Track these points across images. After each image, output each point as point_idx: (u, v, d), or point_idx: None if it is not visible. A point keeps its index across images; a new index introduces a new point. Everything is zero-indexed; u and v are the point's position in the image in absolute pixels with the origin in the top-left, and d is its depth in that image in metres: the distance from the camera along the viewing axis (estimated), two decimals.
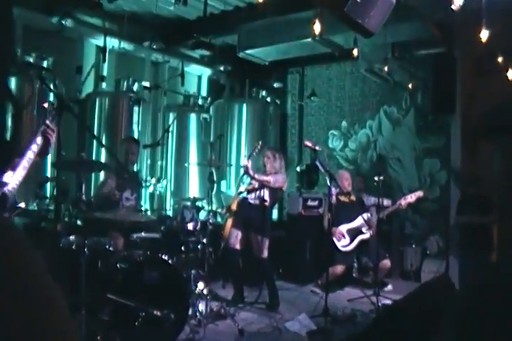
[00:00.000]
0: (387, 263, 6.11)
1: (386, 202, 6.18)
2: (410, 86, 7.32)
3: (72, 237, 4.02)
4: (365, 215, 6.19)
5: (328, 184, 5.16)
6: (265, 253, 5.33)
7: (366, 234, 6.14)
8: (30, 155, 2.61)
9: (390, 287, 6.28)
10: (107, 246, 4.07)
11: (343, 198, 6.27)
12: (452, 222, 6.26)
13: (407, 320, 2.20)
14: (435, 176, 7.59)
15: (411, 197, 6.01)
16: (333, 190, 5.68)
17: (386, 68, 6.58)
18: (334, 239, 6.11)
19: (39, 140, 2.67)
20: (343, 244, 6.14)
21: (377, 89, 8.16)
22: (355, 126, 8.39)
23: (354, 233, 6.15)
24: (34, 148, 2.64)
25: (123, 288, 3.63)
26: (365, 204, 6.36)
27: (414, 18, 5.79)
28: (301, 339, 4.37)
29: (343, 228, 6.17)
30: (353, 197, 6.30)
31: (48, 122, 2.72)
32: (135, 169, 5.78)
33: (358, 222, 6.18)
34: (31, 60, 5.73)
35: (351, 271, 6.83)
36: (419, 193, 6.06)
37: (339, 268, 6.03)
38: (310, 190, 7.58)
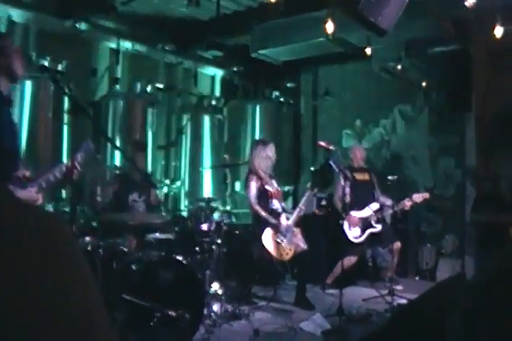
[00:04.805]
0: (398, 244, 5.96)
1: (388, 202, 5.90)
2: (424, 84, 7.28)
3: (87, 238, 4.05)
4: (374, 206, 5.96)
5: (343, 183, 5.13)
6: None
7: (376, 229, 5.91)
8: (50, 177, 2.81)
9: (399, 287, 6.09)
10: (122, 247, 4.10)
11: (358, 176, 6.04)
12: (468, 221, 6.19)
13: (422, 320, 2.19)
14: (450, 174, 7.53)
15: (418, 198, 5.71)
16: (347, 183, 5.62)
17: (400, 66, 6.56)
18: (346, 228, 5.89)
19: (63, 168, 2.87)
20: (355, 234, 5.90)
21: (391, 88, 8.10)
22: (369, 125, 8.36)
23: (365, 224, 5.88)
24: (57, 172, 2.84)
25: (138, 289, 3.65)
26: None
27: (428, 15, 5.75)
28: (316, 339, 4.35)
29: (355, 216, 5.90)
30: (367, 176, 6.10)
31: (76, 161, 2.90)
32: (149, 171, 5.79)
33: (367, 212, 5.92)
34: (46, 63, 5.79)
35: (366, 267, 6.73)
36: (425, 195, 5.79)
37: (351, 260, 5.87)
38: (324, 189, 7.54)
